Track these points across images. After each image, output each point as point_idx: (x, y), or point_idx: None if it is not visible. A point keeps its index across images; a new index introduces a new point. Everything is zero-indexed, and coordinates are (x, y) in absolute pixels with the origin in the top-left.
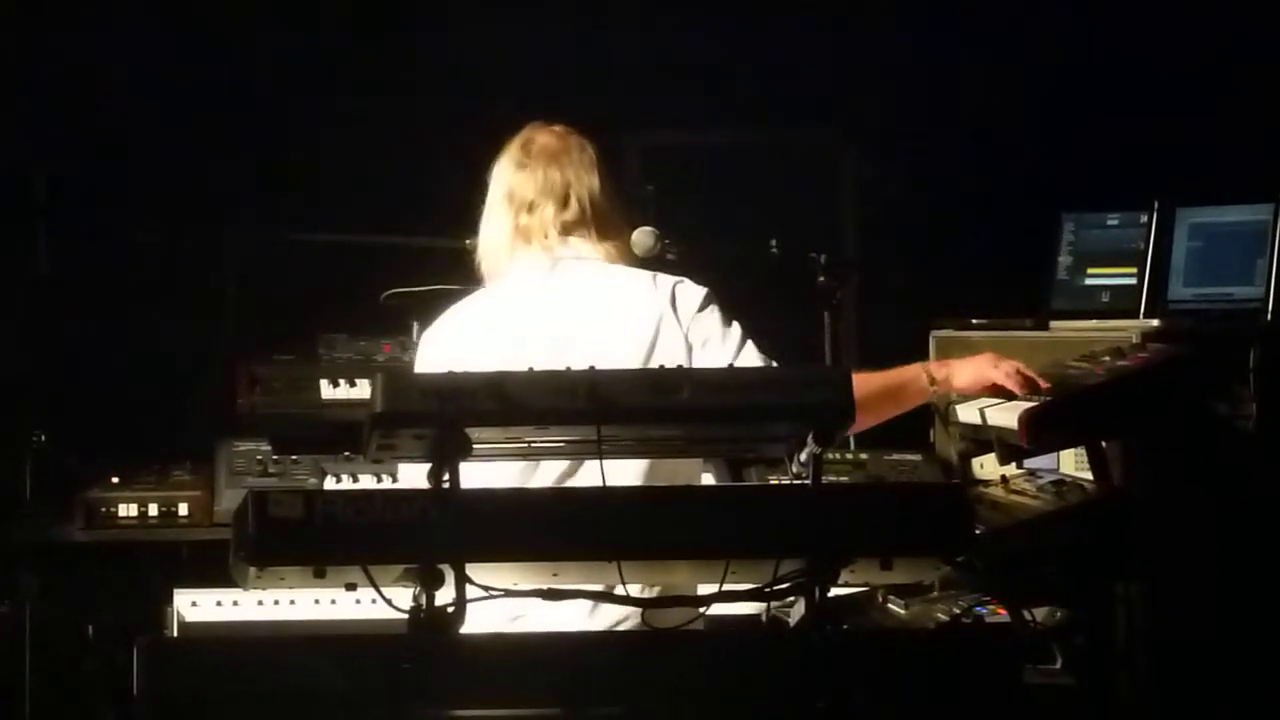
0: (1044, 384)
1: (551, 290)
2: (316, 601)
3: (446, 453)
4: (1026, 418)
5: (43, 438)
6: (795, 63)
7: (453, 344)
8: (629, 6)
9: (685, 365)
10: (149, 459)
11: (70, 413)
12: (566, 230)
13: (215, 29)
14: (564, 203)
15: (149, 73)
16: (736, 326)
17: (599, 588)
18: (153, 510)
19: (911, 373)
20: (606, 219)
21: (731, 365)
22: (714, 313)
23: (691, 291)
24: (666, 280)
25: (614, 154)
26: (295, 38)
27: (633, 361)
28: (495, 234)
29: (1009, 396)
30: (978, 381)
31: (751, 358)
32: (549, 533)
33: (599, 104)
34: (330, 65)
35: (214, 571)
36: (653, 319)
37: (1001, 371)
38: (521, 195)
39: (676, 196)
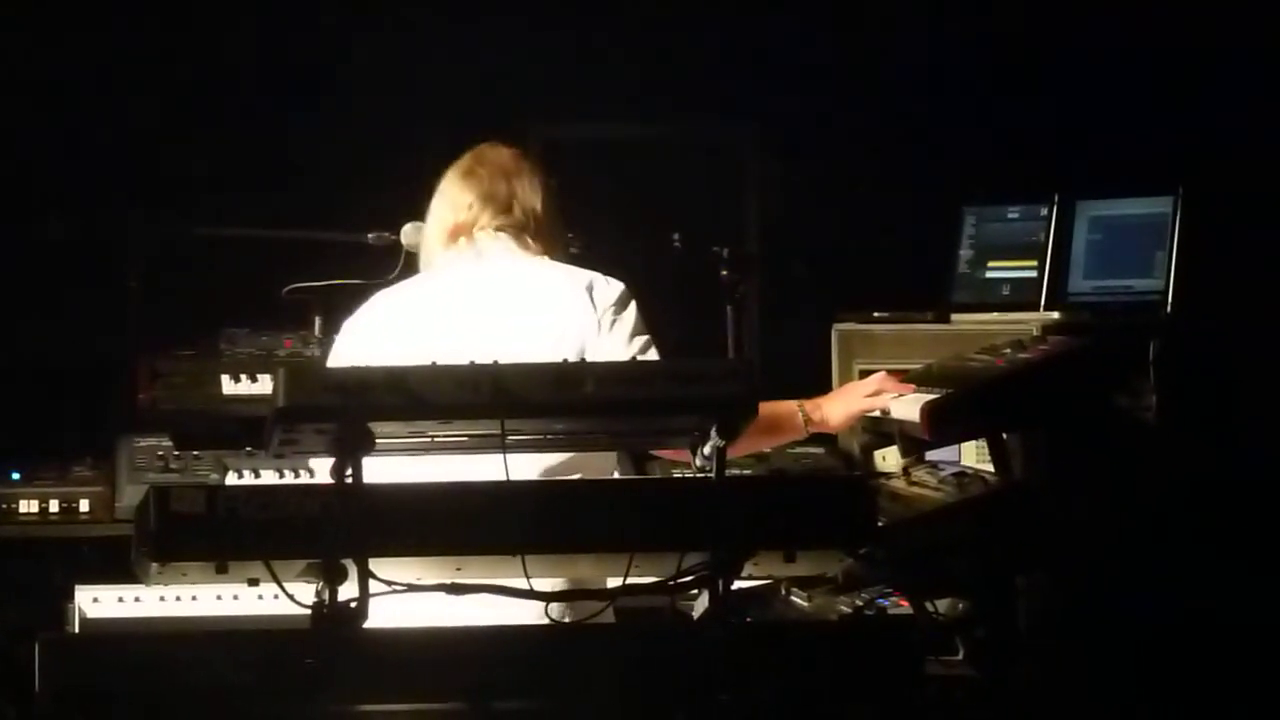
0: (909, 389)
1: (473, 279)
2: (219, 597)
3: (349, 447)
4: (928, 410)
5: None
6: (699, 57)
7: (372, 333)
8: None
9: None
10: (49, 455)
11: None
12: (501, 229)
13: (120, 22)
14: (505, 209)
15: (55, 64)
16: (646, 334)
17: (503, 581)
18: (53, 506)
19: (787, 409)
20: (544, 232)
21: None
22: (630, 312)
23: (610, 287)
24: (585, 274)
25: (516, 147)
26: (201, 33)
27: (545, 349)
28: (432, 229)
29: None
30: (850, 418)
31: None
32: (452, 527)
33: (502, 97)
34: (237, 62)
35: (115, 567)
36: (566, 306)
37: (870, 400)
38: (462, 199)
39: (579, 190)
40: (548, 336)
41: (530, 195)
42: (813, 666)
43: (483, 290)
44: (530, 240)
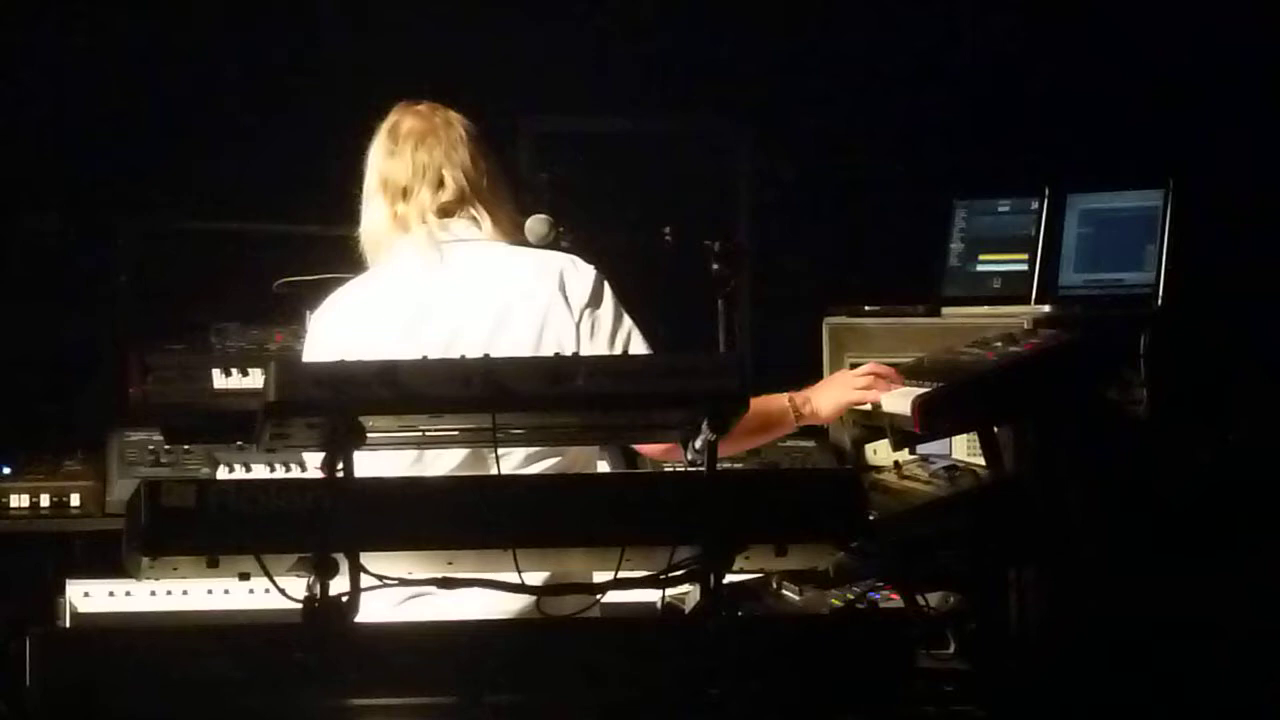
0: (899, 379)
1: (438, 275)
2: (209, 591)
3: (339, 441)
4: (919, 404)
5: None
6: (690, 51)
7: (342, 327)
8: None
9: (576, 350)
10: (40, 449)
11: None
12: (446, 212)
13: (107, 18)
14: (438, 184)
15: (40, 62)
16: (626, 319)
17: (494, 575)
18: (44, 501)
19: (778, 404)
20: (485, 193)
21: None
22: (606, 304)
23: (581, 277)
24: (555, 261)
25: (508, 140)
26: (187, 27)
27: (523, 346)
28: (375, 222)
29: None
30: (839, 409)
31: (638, 351)
32: (443, 521)
33: (494, 90)
34: (220, 54)
35: (106, 562)
36: (542, 304)
37: (860, 391)
38: (395, 182)
39: (571, 184)
40: (523, 336)
41: (453, 155)
42: (804, 660)
43: (450, 289)
44: (475, 211)
